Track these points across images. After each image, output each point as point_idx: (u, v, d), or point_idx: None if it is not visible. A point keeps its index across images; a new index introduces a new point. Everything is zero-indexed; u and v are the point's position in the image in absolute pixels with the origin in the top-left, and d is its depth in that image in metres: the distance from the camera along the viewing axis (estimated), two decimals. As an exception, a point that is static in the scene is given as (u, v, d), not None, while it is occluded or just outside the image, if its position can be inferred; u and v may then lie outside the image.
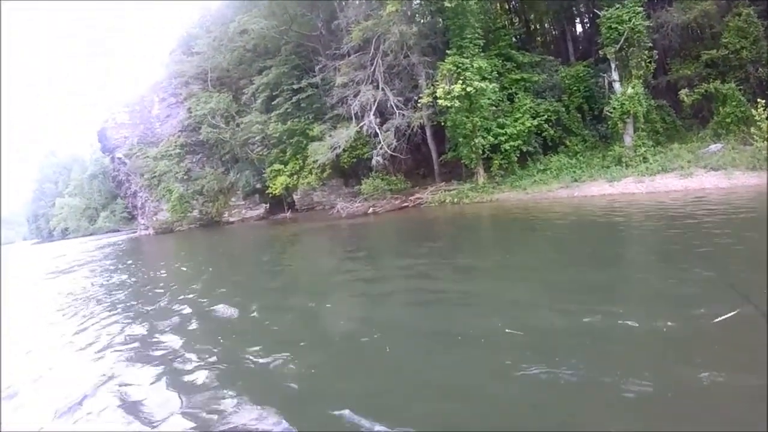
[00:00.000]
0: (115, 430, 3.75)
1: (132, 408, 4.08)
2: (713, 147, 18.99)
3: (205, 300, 7.88)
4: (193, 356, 5.12)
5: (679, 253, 7.29)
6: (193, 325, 6.47)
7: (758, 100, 17.44)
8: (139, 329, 6.59)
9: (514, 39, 21.29)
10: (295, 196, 22.75)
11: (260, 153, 24.36)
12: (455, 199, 18.59)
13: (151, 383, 4.55)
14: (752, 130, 17.08)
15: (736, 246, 7.20)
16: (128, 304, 8.73)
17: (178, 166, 30.26)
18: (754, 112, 17.13)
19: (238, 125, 26.25)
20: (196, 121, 28.99)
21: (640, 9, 18.31)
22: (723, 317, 4.10)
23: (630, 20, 18.16)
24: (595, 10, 20.40)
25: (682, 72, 20.12)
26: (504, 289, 6.45)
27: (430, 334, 4.91)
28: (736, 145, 18.02)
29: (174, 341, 5.79)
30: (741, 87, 18.90)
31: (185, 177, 29.63)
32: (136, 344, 5.89)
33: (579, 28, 23.98)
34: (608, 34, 18.71)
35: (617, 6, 18.53)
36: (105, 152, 41.76)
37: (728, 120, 18.73)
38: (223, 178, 26.74)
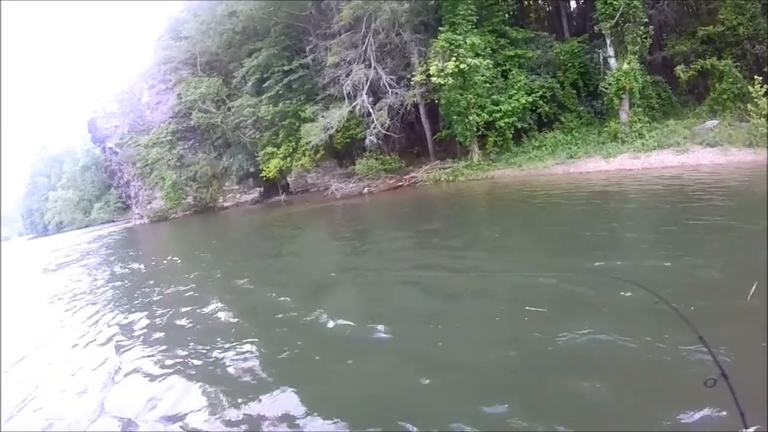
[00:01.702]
0: (115, 430, 3.67)
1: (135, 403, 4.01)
2: (709, 123, 18.85)
3: (200, 298, 7.43)
4: (197, 350, 5.00)
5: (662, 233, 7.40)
6: (188, 322, 6.26)
7: (755, 77, 17.29)
8: (139, 324, 6.42)
9: (507, 15, 20.94)
10: (289, 179, 22.51)
11: (252, 136, 24.03)
12: (450, 177, 18.45)
13: (151, 379, 4.45)
14: (749, 106, 16.90)
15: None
16: (121, 300, 8.48)
17: (170, 153, 29.86)
18: (750, 88, 16.93)
19: (229, 109, 25.86)
20: (187, 106, 28.54)
21: None
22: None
23: None
24: (590, -15, 20.09)
25: (678, 48, 19.85)
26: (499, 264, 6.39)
27: (434, 316, 4.88)
28: (733, 121, 17.88)
29: (181, 336, 5.64)
30: (737, 64, 18.68)
31: (178, 164, 29.27)
32: (137, 341, 5.74)
33: (573, 4, 23.63)
34: (603, 10, 18.37)
35: None
36: (96, 143, 41.17)
37: (724, 96, 18.55)
38: (216, 163, 26.42)
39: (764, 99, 16.49)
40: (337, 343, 4.57)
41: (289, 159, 21.99)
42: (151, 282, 9.64)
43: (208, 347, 4.95)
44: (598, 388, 3.18)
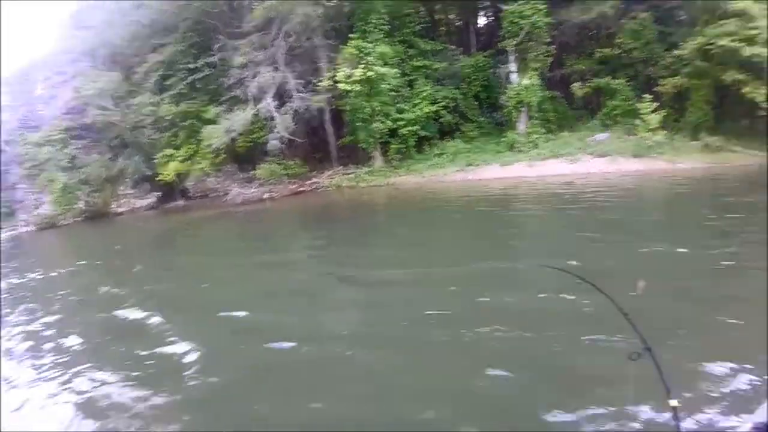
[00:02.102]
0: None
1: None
2: (600, 136, 20.25)
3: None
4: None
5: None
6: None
7: (644, 95, 18.93)
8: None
9: (418, 27, 21.27)
10: (187, 183, 21.01)
11: (151, 137, 22.18)
12: (353, 183, 18.23)
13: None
14: (637, 122, 18.42)
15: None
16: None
17: (61, 152, 26.70)
18: (639, 105, 18.52)
19: (128, 107, 23.78)
20: (83, 102, 25.83)
21: (543, 6, 18.99)
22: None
23: (532, 16, 18.77)
24: (499, 5, 20.94)
25: (576, 67, 21.30)
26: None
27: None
28: (622, 134, 19.35)
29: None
30: (629, 83, 20.36)
31: (69, 165, 26.22)
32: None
33: (482, 21, 24.65)
34: (510, 28, 19.25)
35: (521, 2, 19.05)
36: (-19, 139, 36.34)
37: (616, 112, 20.08)
38: (111, 166, 24.01)
39: (652, 115, 18.08)
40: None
41: (188, 162, 20.51)
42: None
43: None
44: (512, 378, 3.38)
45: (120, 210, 21.82)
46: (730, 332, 3.74)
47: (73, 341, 5.46)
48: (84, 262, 12.39)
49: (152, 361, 4.50)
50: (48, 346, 5.44)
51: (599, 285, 2.35)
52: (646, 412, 2.74)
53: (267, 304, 5.92)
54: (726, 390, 2.93)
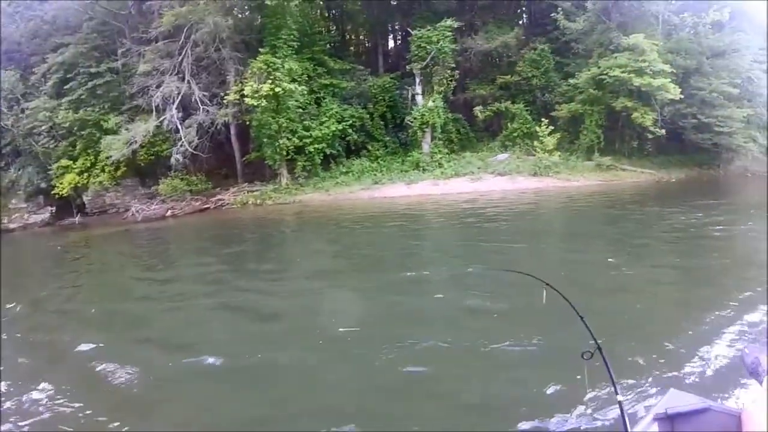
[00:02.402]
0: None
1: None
2: (501, 156, 21.92)
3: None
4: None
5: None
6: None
7: (542, 119, 20.69)
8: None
9: (328, 45, 21.78)
10: (85, 198, 19.85)
11: (46, 146, 20.73)
12: (258, 200, 18.31)
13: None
14: (535, 143, 20.16)
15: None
16: None
17: (-56, 157, 24.27)
18: (538, 128, 20.23)
19: (23, 111, 22.03)
20: (-28, 103, 23.57)
21: (450, 33, 20.13)
22: None
23: (438, 42, 19.82)
24: (408, 29, 21.94)
25: (479, 91, 22.85)
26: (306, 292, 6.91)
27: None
28: (521, 155, 21.11)
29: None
30: (528, 108, 22.19)
31: (-47, 172, 23.88)
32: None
33: (391, 43, 25.61)
34: (417, 52, 20.23)
35: (429, 28, 20.06)
36: None
37: (515, 134, 21.78)
38: (2, 176, 22.17)
39: (549, 137, 19.86)
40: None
41: (86, 175, 19.46)
42: None
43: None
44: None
45: (12, 226, 20.17)
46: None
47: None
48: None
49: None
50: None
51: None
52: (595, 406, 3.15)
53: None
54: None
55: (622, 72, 18.03)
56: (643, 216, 11.88)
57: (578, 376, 2.74)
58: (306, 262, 9.20)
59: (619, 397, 1.80)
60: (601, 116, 20.12)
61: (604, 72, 18.62)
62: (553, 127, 20.24)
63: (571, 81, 20.87)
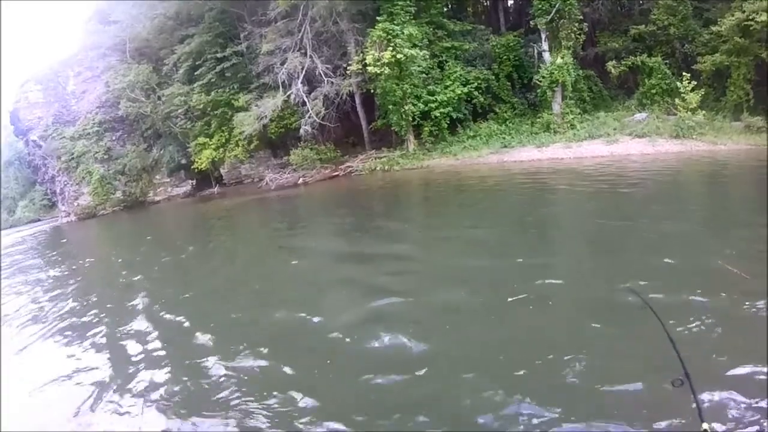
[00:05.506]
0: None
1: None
2: (638, 116, 19.62)
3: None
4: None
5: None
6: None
7: (683, 73, 18.16)
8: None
9: (445, 8, 20.87)
10: (222, 170, 21.35)
11: (184, 126, 22.57)
12: (386, 167, 18.17)
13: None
14: (676, 101, 17.72)
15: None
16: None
17: (97, 145, 27.58)
18: (679, 84, 17.76)
19: (159, 98, 24.22)
20: (115, 95, 26.46)
21: None
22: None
23: None
24: (529, -18, 20.37)
25: (610, 44, 20.61)
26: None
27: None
28: (660, 114, 18.70)
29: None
30: (667, 61, 19.60)
31: (105, 157, 27.09)
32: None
33: (510, 0, 24.02)
34: (540, 6, 18.73)
35: None
36: (18, 135, 37.45)
37: (653, 91, 19.37)
38: (146, 156, 24.62)
39: (692, 94, 17.36)
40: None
41: (221, 150, 20.83)
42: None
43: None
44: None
45: (157, 198, 22.39)
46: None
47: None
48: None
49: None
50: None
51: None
52: None
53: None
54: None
55: (772, 15, 14.97)
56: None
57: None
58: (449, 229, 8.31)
59: (705, 426, 1.69)
60: (750, 69, 17.01)
61: (750, 17, 15.68)
62: (695, 83, 17.58)
63: (713, 29, 17.93)
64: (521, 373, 3.21)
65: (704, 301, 3.74)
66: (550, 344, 3.52)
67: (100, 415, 3.71)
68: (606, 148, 17.55)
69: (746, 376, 2.89)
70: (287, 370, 3.81)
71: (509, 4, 23.95)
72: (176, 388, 3.85)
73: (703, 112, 17.24)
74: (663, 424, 2.58)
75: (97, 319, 6.22)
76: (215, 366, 4.06)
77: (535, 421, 2.79)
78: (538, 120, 18.75)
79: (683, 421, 2.57)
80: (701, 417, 1.81)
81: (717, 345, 3.19)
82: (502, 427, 2.74)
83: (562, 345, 3.48)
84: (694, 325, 3.39)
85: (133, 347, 4.97)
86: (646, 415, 2.73)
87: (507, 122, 18.80)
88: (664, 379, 1.92)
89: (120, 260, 10.98)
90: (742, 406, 2.74)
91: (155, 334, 5.23)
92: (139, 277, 8.22)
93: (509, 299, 4.34)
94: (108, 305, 6.78)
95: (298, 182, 18.79)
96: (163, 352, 4.74)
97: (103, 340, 5.37)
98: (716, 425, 2.49)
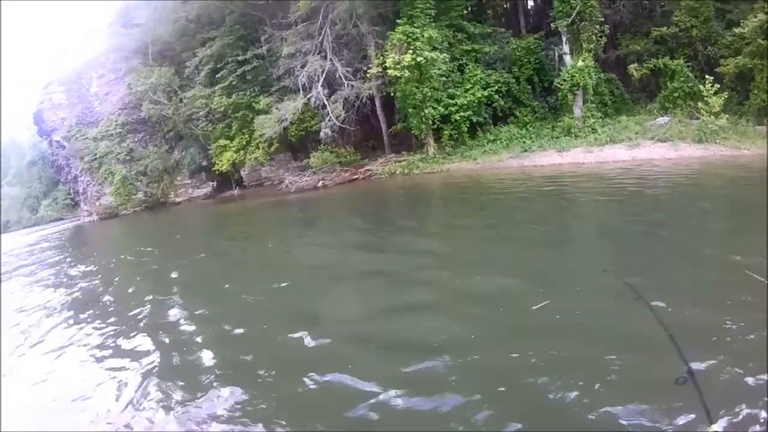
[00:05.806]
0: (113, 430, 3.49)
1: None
2: (660, 120, 19.33)
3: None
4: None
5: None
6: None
7: (706, 76, 17.81)
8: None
9: (465, 10, 20.88)
10: (242, 173, 21.67)
11: (205, 129, 22.98)
12: (406, 170, 18.21)
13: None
14: (699, 104, 17.38)
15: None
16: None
17: (119, 146, 28.24)
18: (702, 87, 17.42)
19: (181, 100, 24.68)
20: (137, 97, 27.05)
21: None
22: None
23: None
24: (549, -17, 20.22)
25: (632, 47, 20.36)
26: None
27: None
28: (683, 118, 18.36)
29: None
30: (689, 64, 19.24)
31: (127, 158, 27.72)
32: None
33: (530, 2, 23.92)
34: (561, 8, 18.59)
35: None
36: (42, 136, 38.49)
37: (675, 95, 19.05)
38: (168, 157, 25.12)
39: (714, 97, 17.04)
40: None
41: (242, 152, 21.14)
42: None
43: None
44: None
45: (178, 200, 22.82)
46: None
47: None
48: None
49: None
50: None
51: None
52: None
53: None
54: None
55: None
56: None
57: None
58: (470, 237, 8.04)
59: (714, 427, 1.64)
60: (774, 72, 16.64)
61: (773, 18, 15.30)
62: (718, 86, 17.21)
63: (736, 30, 17.55)
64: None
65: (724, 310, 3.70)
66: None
67: (123, 415, 3.70)
68: (628, 153, 17.31)
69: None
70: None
71: (529, 7, 23.84)
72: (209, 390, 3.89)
73: (726, 116, 16.91)
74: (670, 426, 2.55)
75: (136, 311, 6.32)
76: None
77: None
78: (558, 124, 18.60)
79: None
80: (709, 418, 1.79)
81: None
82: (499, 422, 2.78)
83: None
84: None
85: (165, 344, 5.01)
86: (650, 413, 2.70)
87: (527, 126, 18.70)
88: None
89: (157, 253, 11.24)
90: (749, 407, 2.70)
91: (191, 328, 5.31)
92: (174, 274, 8.38)
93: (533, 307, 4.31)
94: (144, 299, 6.86)
95: (318, 185, 18.98)
96: (198, 348, 4.76)
97: (137, 335, 5.42)
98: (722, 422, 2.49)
